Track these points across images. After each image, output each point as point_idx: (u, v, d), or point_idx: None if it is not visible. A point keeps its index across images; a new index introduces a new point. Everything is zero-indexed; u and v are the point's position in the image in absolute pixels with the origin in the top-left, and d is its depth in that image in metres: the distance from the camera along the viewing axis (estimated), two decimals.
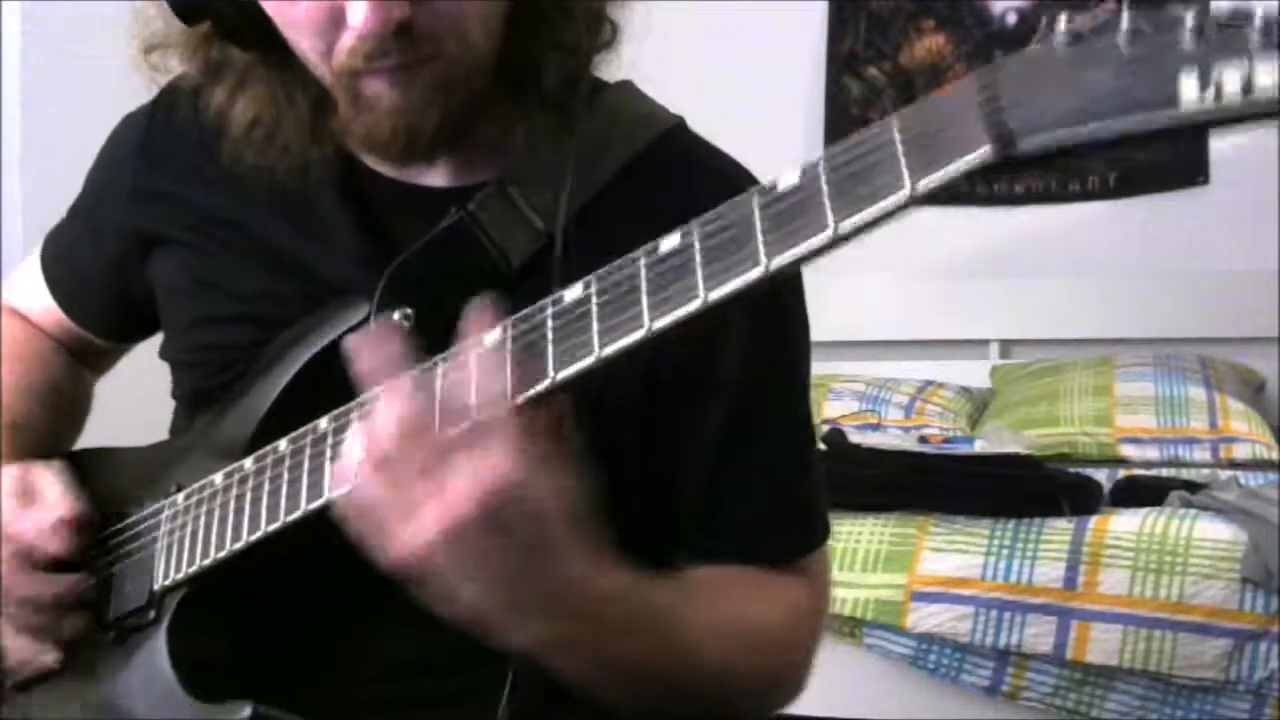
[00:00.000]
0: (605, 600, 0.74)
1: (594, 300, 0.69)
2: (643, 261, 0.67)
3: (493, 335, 0.73)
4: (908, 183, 0.58)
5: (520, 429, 0.68)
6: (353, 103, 0.84)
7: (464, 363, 0.72)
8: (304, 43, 0.84)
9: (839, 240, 0.60)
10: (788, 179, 0.63)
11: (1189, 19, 0.51)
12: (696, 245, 0.65)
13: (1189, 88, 0.50)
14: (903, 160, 0.58)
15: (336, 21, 0.81)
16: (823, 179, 0.61)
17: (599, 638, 0.75)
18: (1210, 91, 0.50)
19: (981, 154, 0.55)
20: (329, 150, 0.90)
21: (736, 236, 0.64)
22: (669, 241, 0.67)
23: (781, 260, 0.62)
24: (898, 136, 0.58)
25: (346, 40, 0.81)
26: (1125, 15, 0.52)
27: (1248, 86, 0.49)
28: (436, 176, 0.93)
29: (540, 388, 0.70)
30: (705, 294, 0.64)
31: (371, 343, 0.72)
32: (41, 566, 0.94)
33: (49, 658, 0.95)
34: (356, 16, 0.79)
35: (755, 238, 0.63)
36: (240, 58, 0.90)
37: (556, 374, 0.69)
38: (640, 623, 0.78)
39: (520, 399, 0.70)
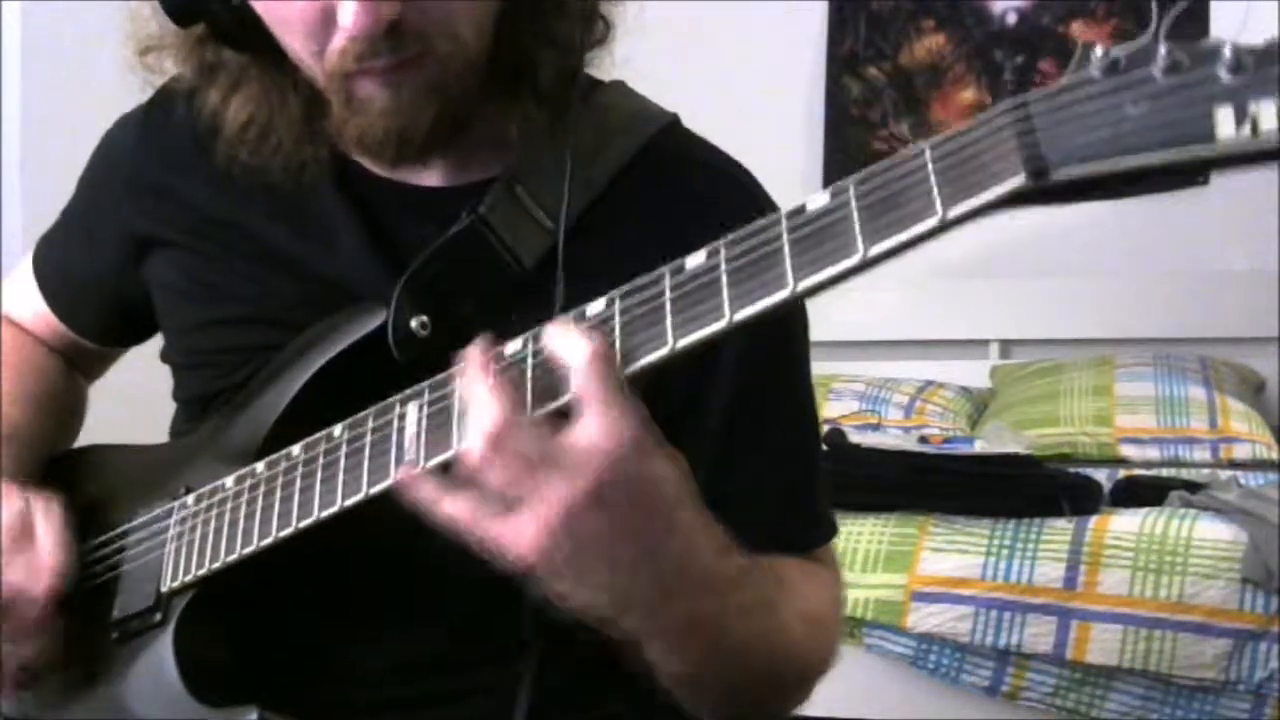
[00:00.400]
0: (724, 580, 0.74)
1: (617, 318, 0.69)
2: (668, 280, 0.67)
3: (513, 347, 0.72)
4: (939, 209, 0.57)
5: (624, 400, 0.67)
6: (345, 104, 0.84)
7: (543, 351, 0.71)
8: (296, 44, 0.84)
9: (868, 264, 0.60)
10: (817, 201, 0.63)
11: (1225, 51, 0.50)
12: (723, 265, 0.65)
13: (1225, 122, 0.50)
14: (935, 186, 0.58)
15: (327, 23, 0.81)
16: (853, 202, 0.61)
17: (719, 619, 0.75)
18: (1246, 126, 0.50)
19: (1015, 183, 0.55)
20: (323, 151, 0.90)
21: (765, 257, 0.64)
22: (695, 260, 0.67)
23: (809, 283, 0.62)
24: (930, 162, 0.58)
25: (338, 41, 0.81)
26: (1162, 46, 0.52)
27: None
28: (433, 176, 0.93)
29: (558, 404, 0.69)
30: (731, 314, 0.64)
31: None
32: (19, 628, 0.93)
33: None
34: (347, 16, 0.79)
35: (784, 260, 0.63)
36: (234, 59, 0.90)
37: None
38: (748, 603, 0.77)
39: (541, 415, 0.70)
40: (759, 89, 3.54)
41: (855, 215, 0.60)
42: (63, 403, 1.13)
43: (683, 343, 0.66)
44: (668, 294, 0.67)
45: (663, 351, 0.66)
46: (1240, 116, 0.50)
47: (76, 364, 1.16)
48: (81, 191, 1.08)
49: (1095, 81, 0.54)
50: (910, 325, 3.58)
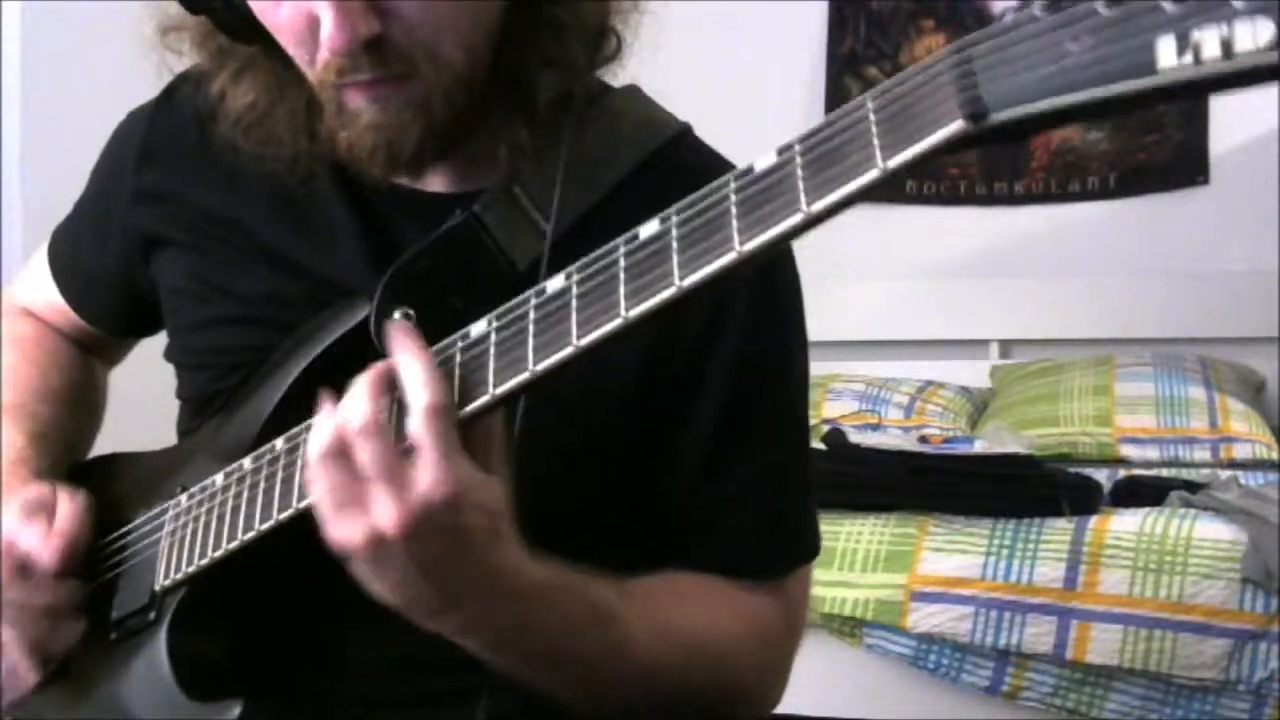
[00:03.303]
0: (530, 588, 0.75)
1: (574, 290, 0.69)
2: (622, 250, 0.67)
3: (479, 327, 0.73)
4: (879, 160, 0.57)
5: (452, 445, 0.70)
6: (336, 114, 0.84)
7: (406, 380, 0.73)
8: (290, 50, 0.85)
9: (813, 221, 0.59)
10: (764, 161, 0.62)
11: None
12: (674, 231, 0.65)
13: (1167, 52, 0.48)
14: (875, 137, 0.57)
15: (315, 32, 0.81)
16: (797, 159, 0.60)
17: (523, 625, 0.76)
18: (1189, 55, 0.48)
19: (954, 128, 0.54)
20: (321, 149, 0.90)
21: (712, 221, 0.63)
22: (648, 228, 0.66)
23: (755, 244, 0.61)
24: (872, 114, 0.58)
25: (322, 53, 0.81)
26: None
27: (1227, 50, 0.47)
28: (437, 182, 0.93)
29: (521, 379, 0.70)
30: (680, 280, 0.64)
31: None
32: (37, 577, 0.93)
33: (35, 672, 0.95)
34: (325, 31, 0.79)
35: (730, 222, 0.62)
36: (244, 47, 0.90)
37: (536, 365, 0.69)
38: (569, 615, 0.78)
39: (501, 390, 0.71)
40: (759, 89, 3.54)
41: (799, 172, 0.60)
42: (85, 393, 1.13)
43: (635, 311, 0.65)
44: (621, 264, 0.67)
45: (616, 322, 0.66)
46: (1183, 46, 0.48)
47: (94, 350, 1.16)
48: (92, 184, 1.08)
49: (1038, 19, 0.52)
50: (910, 325, 3.58)
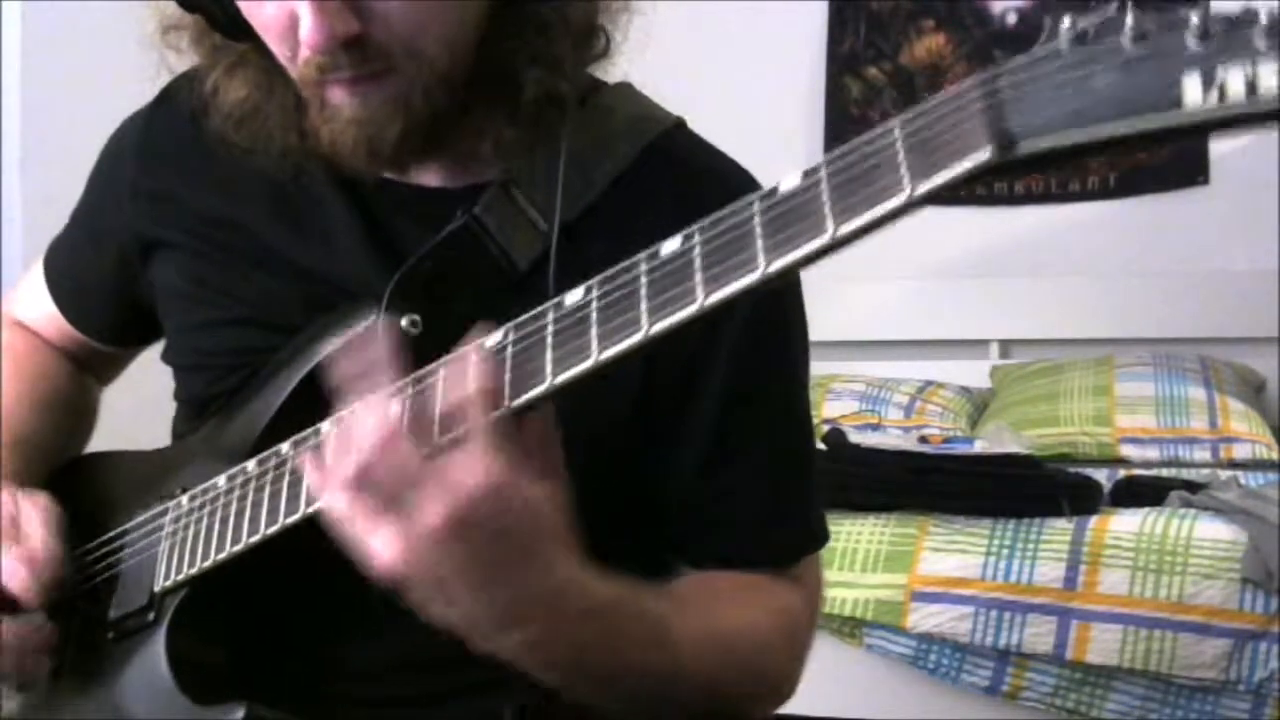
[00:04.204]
0: (595, 607, 0.74)
1: (594, 304, 0.68)
2: (644, 265, 0.67)
3: (494, 338, 0.73)
4: (908, 185, 0.57)
5: (497, 437, 0.68)
6: (320, 110, 0.85)
7: (449, 373, 0.72)
8: (274, 47, 0.85)
9: (838, 244, 0.60)
10: (789, 182, 0.62)
11: (1193, 19, 0.50)
12: (697, 249, 0.65)
13: (1193, 89, 0.50)
14: (903, 163, 0.57)
15: (296, 30, 0.81)
16: (824, 182, 0.60)
17: (587, 644, 0.75)
18: (1214, 93, 0.49)
19: (982, 156, 0.55)
20: (311, 145, 0.90)
21: (736, 240, 0.63)
22: (670, 245, 0.67)
23: (779, 264, 0.61)
24: (899, 139, 0.58)
25: (302, 51, 0.82)
26: (1130, 15, 0.51)
27: (1252, 88, 0.49)
28: (432, 177, 0.93)
29: (538, 391, 0.70)
30: (703, 298, 0.64)
31: (356, 348, 0.72)
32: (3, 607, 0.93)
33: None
34: (303, 30, 0.80)
35: (755, 241, 0.62)
36: (236, 44, 0.91)
37: (554, 378, 0.69)
38: (628, 632, 0.78)
39: (517, 403, 0.70)
40: (759, 89, 3.54)
41: (825, 194, 0.60)
42: (72, 406, 1.13)
43: (657, 328, 0.65)
44: (643, 279, 0.67)
45: (637, 338, 0.66)
46: (1208, 83, 0.49)
47: (89, 366, 1.16)
48: (88, 193, 1.09)
49: (1063, 53, 0.53)
50: (910, 325, 3.58)
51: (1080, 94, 0.52)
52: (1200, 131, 0.50)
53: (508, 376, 0.71)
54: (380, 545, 0.68)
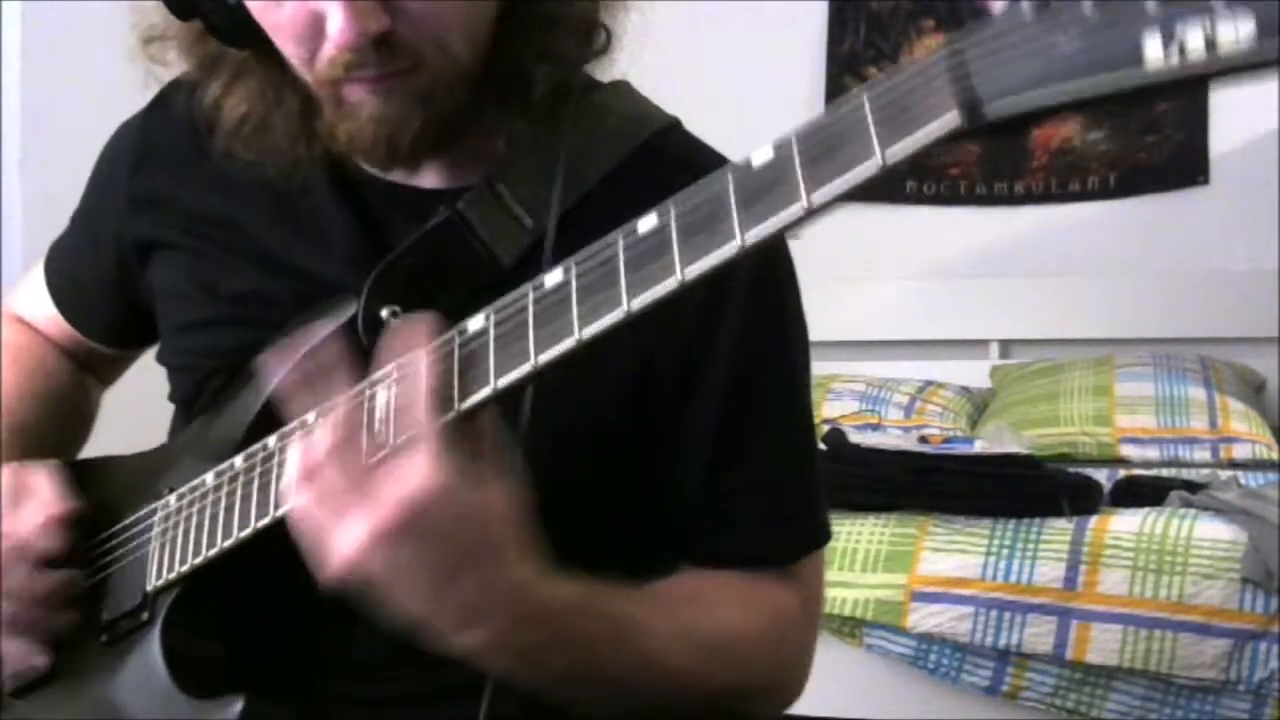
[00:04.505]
0: (552, 608, 0.74)
1: (574, 283, 0.68)
2: (621, 243, 0.67)
3: (476, 322, 0.73)
4: (878, 152, 0.57)
5: (446, 438, 0.69)
6: (336, 108, 0.85)
7: (401, 373, 0.73)
8: (288, 49, 0.85)
9: (813, 213, 0.60)
10: (762, 155, 0.63)
11: None
12: (673, 224, 0.65)
13: (1154, 48, 0.50)
14: (873, 130, 0.58)
15: (317, 30, 0.81)
16: (795, 153, 0.61)
17: (545, 645, 0.75)
18: (1174, 51, 0.50)
19: (949, 120, 0.55)
20: (318, 150, 0.90)
21: (712, 214, 0.63)
22: (647, 222, 0.67)
23: (757, 235, 0.62)
24: (868, 107, 0.58)
25: (327, 50, 0.81)
26: None
27: (1210, 44, 0.49)
28: (429, 178, 0.93)
29: (523, 371, 0.70)
30: (682, 272, 0.64)
31: (319, 349, 0.72)
32: (34, 563, 0.94)
33: (39, 660, 0.95)
34: (334, 29, 0.79)
35: (730, 214, 0.63)
36: (235, 54, 0.90)
37: (538, 357, 0.69)
38: (590, 631, 0.78)
39: (502, 383, 0.70)
40: (759, 89, 3.54)
41: (798, 165, 0.60)
42: (70, 403, 1.13)
43: (637, 304, 0.66)
44: (621, 257, 0.67)
45: (618, 315, 0.66)
46: (1168, 41, 0.50)
47: (90, 367, 1.16)
48: (87, 197, 1.09)
49: (1026, 16, 0.54)
50: (910, 325, 3.58)
51: (1044, 57, 0.53)
52: (1166, 88, 0.51)
53: (491, 359, 0.71)
54: (333, 546, 0.69)
